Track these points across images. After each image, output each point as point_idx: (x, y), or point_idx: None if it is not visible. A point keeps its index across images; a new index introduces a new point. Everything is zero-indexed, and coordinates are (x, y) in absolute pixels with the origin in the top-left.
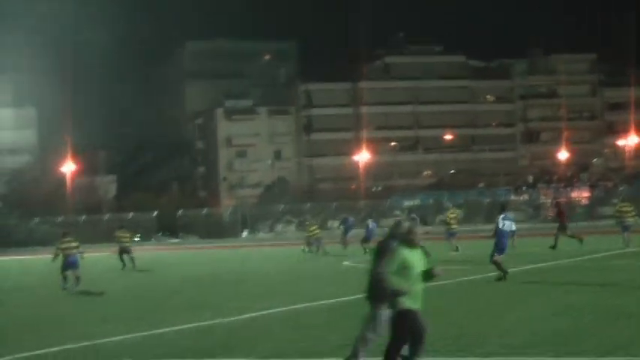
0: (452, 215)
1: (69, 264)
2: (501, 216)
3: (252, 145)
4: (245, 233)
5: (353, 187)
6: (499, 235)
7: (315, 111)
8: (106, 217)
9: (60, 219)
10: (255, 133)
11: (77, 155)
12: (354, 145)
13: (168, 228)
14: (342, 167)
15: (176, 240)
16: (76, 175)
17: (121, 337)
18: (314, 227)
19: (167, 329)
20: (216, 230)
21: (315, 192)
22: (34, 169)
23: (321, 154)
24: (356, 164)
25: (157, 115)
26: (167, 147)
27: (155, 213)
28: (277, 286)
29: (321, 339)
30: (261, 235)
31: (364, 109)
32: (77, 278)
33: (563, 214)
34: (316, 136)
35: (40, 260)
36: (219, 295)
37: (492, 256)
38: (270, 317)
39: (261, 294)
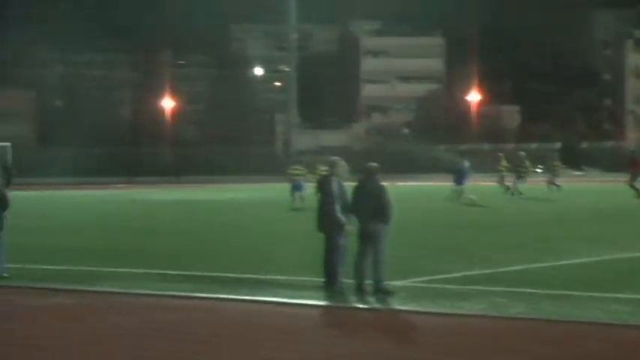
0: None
1: (296, 187)
2: None
3: None
4: None
5: None
6: None
7: None
8: (509, 146)
9: (464, 147)
10: None
11: (483, 84)
12: None
13: (572, 160)
14: None
15: (579, 172)
16: (482, 103)
17: (521, 267)
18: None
19: (568, 262)
20: (621, 164)
21: None
22: (441, 97)
23: None
24: None
25: (564, 45)
26: (573, 77)
27: (558, 144)
28: None
29: None
30: None
31: None
32: (302, 199)
33: None
34: None
35: (444, 187)
36: (617, 229)
37: None
38: None
39: None
